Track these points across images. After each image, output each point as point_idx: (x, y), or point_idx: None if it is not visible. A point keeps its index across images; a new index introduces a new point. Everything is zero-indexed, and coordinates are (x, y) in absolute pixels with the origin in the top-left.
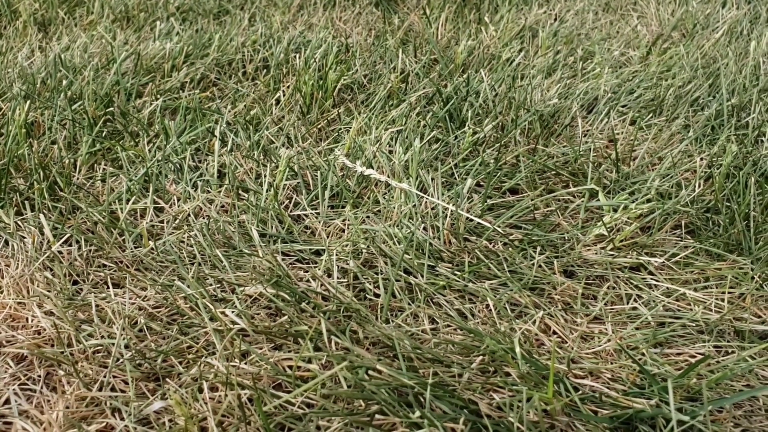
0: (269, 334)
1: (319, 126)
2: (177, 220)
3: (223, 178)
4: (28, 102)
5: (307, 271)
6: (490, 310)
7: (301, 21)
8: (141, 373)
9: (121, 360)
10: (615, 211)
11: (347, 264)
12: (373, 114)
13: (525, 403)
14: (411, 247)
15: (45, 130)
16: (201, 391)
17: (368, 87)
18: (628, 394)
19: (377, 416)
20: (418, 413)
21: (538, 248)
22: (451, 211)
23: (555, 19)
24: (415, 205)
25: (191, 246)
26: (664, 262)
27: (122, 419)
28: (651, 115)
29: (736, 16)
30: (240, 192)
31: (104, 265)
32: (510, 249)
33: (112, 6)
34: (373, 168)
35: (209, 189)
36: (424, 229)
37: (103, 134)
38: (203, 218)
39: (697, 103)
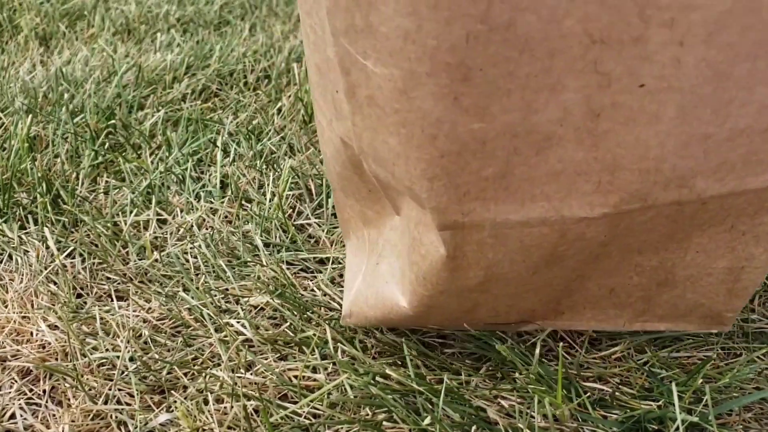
0: (275, 343)
1: None
2: (180, 232)
3: (225, 188)
4: (30, 116)
5: (311, 280)
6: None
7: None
8: (146, 385)
9: (126, 372)
10: None
11: None
12: None
13: (534, 407)
14: None
15: (48, 143)
16: (206, 402)
17: None
18: (636, 397)
19: (386, 423)
20: (428, 419)
21: None
22: None
23: None
24: None
25: (195, 257)
26: None
27: None
28: None
29: None
30: (243, 202)
31: (108, 278)
32: None
33: (112, 19)
34: None
35: (212, 200)
36: None
37: (106, 147)
38: (206, 229)
39: None
